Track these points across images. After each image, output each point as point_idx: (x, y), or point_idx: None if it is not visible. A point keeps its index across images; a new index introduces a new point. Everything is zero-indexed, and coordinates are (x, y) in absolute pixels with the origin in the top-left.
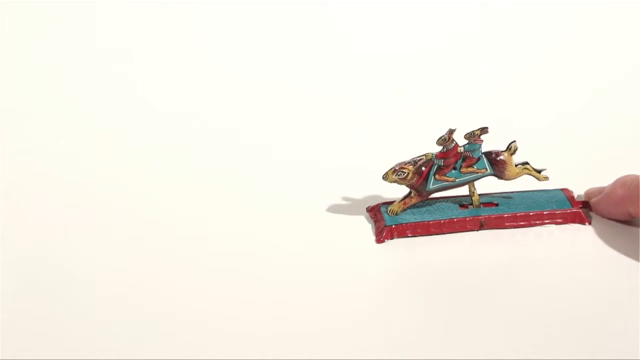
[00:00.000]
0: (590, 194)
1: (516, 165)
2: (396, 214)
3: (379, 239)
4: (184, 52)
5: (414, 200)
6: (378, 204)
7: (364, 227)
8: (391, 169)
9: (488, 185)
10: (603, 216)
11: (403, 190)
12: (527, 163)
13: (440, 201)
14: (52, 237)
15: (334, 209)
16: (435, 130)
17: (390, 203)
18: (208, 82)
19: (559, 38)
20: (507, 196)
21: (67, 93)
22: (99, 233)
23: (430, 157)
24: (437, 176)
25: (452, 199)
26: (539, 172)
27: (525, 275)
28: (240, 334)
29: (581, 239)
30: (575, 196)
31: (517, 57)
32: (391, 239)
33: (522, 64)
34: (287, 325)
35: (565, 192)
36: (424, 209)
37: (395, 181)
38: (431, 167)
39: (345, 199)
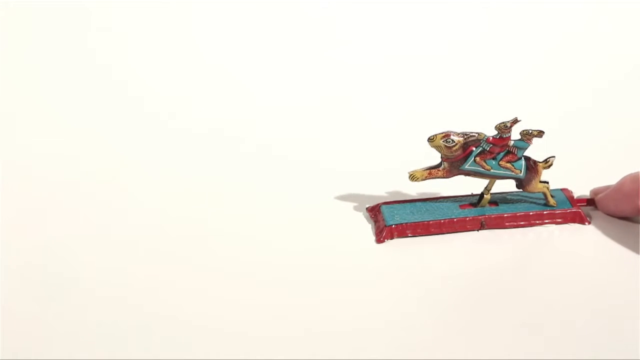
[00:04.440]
0: (596, 191)
1: (540, 181)
2: (416, 180)
3: (379, 239)
4: (185, 54)
5: (440, 174)
6: (378, 204)
7: (364, 227)
8: (442, 133)
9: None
10: (608, 212)
11: (404, 190)
12: (547, 182)
13: (440, 201)
14: (52, 239)
15: (334, 209)
16: (435, 132)
17: (390, 203)
18: (208, 84)
19: (561, 39)
20: (506, 196)
21: (66, 95)
22: (99, 235)
23: (482, 137)
24: (477, 159)
25: (452, 199)
26: (552, 196)
27: (525, 275)
28: (240, 336)
29: (581, 239)
30: (575, 196)
31: (518, 59)
32: (391, 239)
33: (522, 66)
34: (287, 326)
35: (565, 192)
36: (424, 209)
37: (438, 146)
38: (476, 147)
39: (345, 199)
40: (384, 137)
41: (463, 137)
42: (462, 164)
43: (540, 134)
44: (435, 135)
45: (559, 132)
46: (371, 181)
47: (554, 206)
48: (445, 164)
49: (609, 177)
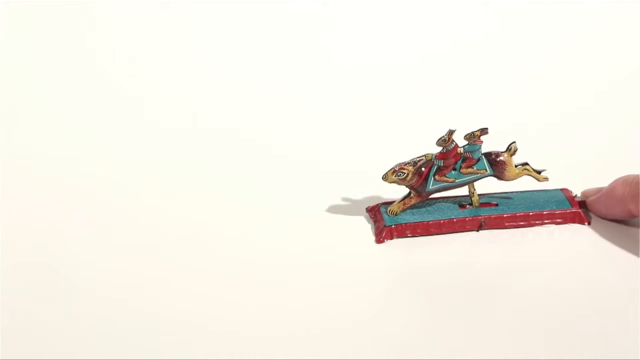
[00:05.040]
0: (587, 193)
1: (516, 166)
2: (396, 215)
3: (379, 239)
4: (185, 54)
5: (413, 201)
6: (378, 204)
7: (364, 227)
8: (391, 169)
9: (487, 185)
10: (600, 215)
11: (403, 190)
12: (526, 164)
13: (439, 201)
14: (52, 239)
15: (334, 209)
16: (435, 133)
17: (390, 203)
18: (208, 84)
19: (560, 40)
20: (506, 196)
21: (67, 95)
22: (99, 235)
23: (430, 157)
24: (436, 177)
25: (452, 199)
26: (539, 172)
27: (524, 276)
28: (240, 336)
29: (581, 239)
30: (575, 196)
31: (517, 59)
32: (391, 239)
33: (522, 66)
34: (288, 326)
35: (565, 192)
36: (424, 209)
37: (394, 182)
38: (431, 167)
39: (345, 199)
40: (384, 137)
41: (412, 165)
42: (425, 187)
43: (484, 131)
44: (386, 173)
45: (558, 133)
46: (371, 181)
47: (546, 180)
48: (412, 192)
49: (608, 177)
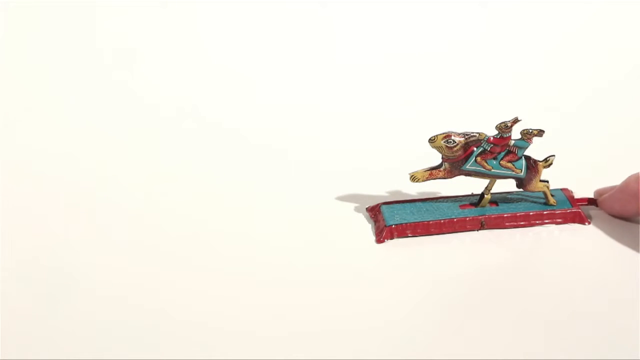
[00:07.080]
0: (600, 191)
1: (540, 180)
2: (417, 181)
3: (379, 239)
4: (186, 53)
5: (441, 174)
6: (378, 204)
7: (364, 227)
8: (442, 133)
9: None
10: (613, 213)
11: (404, 190)
12: (547, 182)
13: (440, 201)
14: (52, 238)
15: (334, 209)
16: (434, 132)
17: (390, 203)
18: (209, 82)
19: (560, 38)
20: (506, 196)
21: (67, 93)
22: (99, 234)
23: (483, 138)
24: (478, 159)
25: (452, 199)
26: (552, 195)
27: (524, 275)
28: (240, 335)
29: (581, 239)
30: (575, 196)
31: (518, 58)
32: (391, 239)
33: (522, 65)
34: (287, 325)
35: (565, 192)
36: (424, 209)
37: (439, 147)
38: (477, 147)
39: (345, 199)
40: (384, 137)
41: (464, 137)
42: (463, 164)
43: (540, 133)
44: (436, 136)
45: (559, 132)
46: (371, 181)
47: (554, 205)
48: (446, 165)
49: (609, 176)
